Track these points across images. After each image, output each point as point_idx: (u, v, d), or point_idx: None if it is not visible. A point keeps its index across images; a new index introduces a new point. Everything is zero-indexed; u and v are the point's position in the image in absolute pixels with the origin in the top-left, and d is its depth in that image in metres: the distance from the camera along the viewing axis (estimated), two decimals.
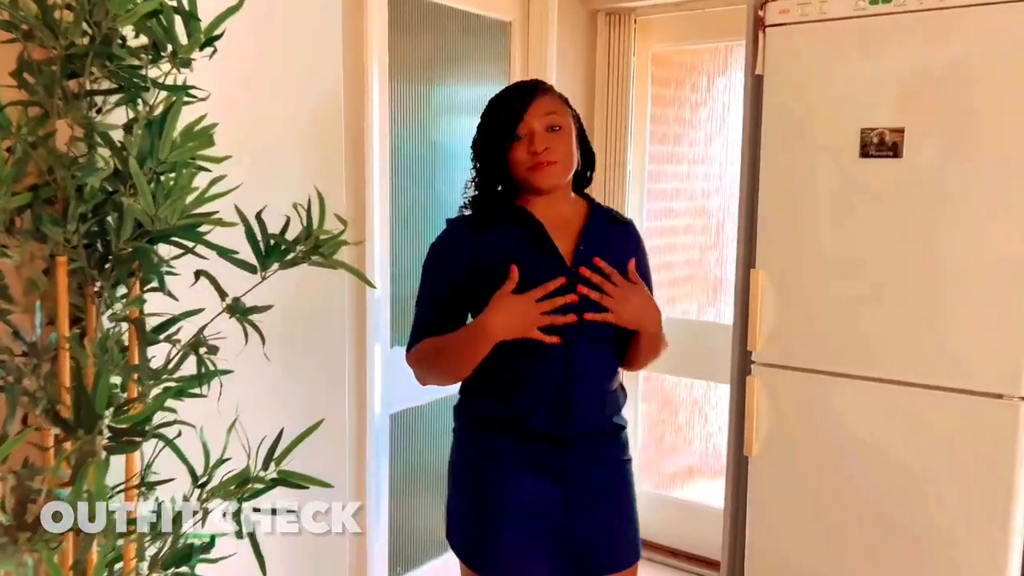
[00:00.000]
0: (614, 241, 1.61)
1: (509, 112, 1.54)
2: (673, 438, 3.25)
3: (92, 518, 1.13)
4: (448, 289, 1.59)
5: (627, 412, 3.16)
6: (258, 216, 1.32)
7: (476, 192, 1.63)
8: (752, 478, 2.12)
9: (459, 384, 1.68)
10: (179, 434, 1.40)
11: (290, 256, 1.31)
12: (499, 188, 1.61)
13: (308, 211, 1.33)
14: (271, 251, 1.29)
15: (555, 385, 1.55)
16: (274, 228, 1.37)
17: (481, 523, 1.59)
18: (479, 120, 1.62)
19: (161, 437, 1.37)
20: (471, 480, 1.63)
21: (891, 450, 1.91)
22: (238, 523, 1.34)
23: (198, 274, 1.32)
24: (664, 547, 3.14)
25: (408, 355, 1.66)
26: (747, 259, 2.12)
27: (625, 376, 3.18)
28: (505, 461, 1.58)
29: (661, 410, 3.25)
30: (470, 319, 1.60)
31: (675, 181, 3.12)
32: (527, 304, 1.46)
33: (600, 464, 1.61)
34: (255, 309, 1.34)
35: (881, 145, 1.87)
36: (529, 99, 1.55)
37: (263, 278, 1.34)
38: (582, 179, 1.67)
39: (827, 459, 2.00)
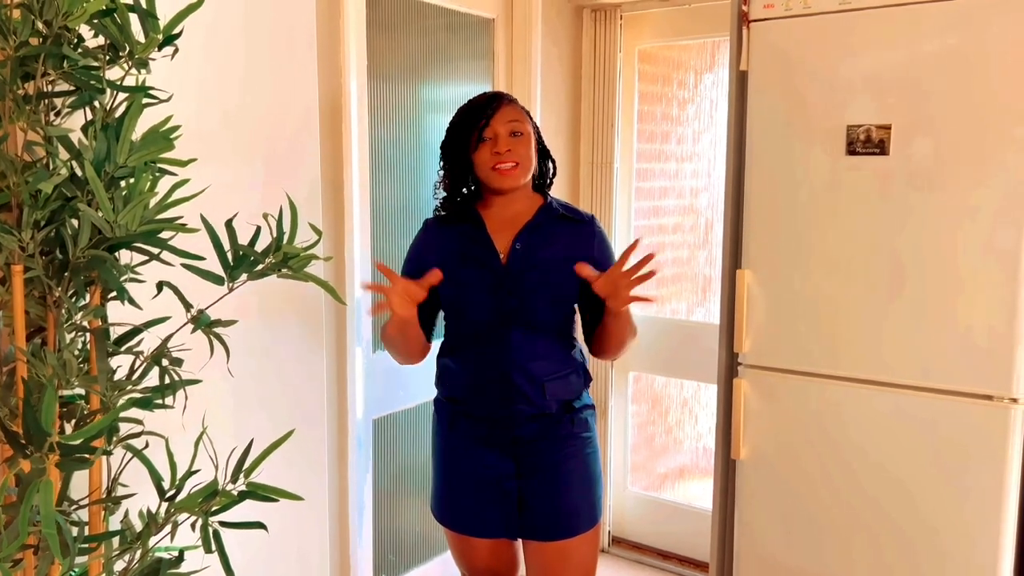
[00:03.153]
0: (559, 238, 1.77)
1: (477, 117, 1.73)
2: (664, 439, 3.21)
3: (47, 537, 1.08)
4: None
5: (616, 413, 3.12)
6: (228, 224, 1.27)
7: (445, 193, 1.81)
8: (740, 480, 2.09)
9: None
10: (147, 445, 1.36)
11: (259, 268, 1.26)
12: (465, 188, 1.80)
13: (279, 222, 1.29)
14: (240, 262, 1.24)
15: (494, 372, 1.76)
16: (244, 234, 1.33)
17: (449, 491, 1.87)
18: (448, 124, 1.79)
19: (129, 447, 1.33)
20: (442, 454, 1.89)
21: (879, 451, 1.88)
22: (206, 538, 1.30)
23: (160, 285, 1.28)
24: (655, 549, 3.11)
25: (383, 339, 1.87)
26: (733, 259, 2.09)
27: (616, 376, 3.15)
28: (465, 438, 1.83)
29: (651, 411, 3.21)
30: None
31: (663, 179, 3.08)
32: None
33: (551, 440, 1.80)
34: (220, 322, 1.29)
35: (868, 142, 1.83)
36: (496, 106, 1.73)
37: (230, 289, 1.30)
38: (543, 183, 1.84)
39: (815, 461, 1.96)
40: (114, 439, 1.26)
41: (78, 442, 1.02)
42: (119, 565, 1.37)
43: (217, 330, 1.31)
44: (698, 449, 3.14)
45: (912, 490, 1.84)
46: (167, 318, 1.36)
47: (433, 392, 1.93)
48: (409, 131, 2.50)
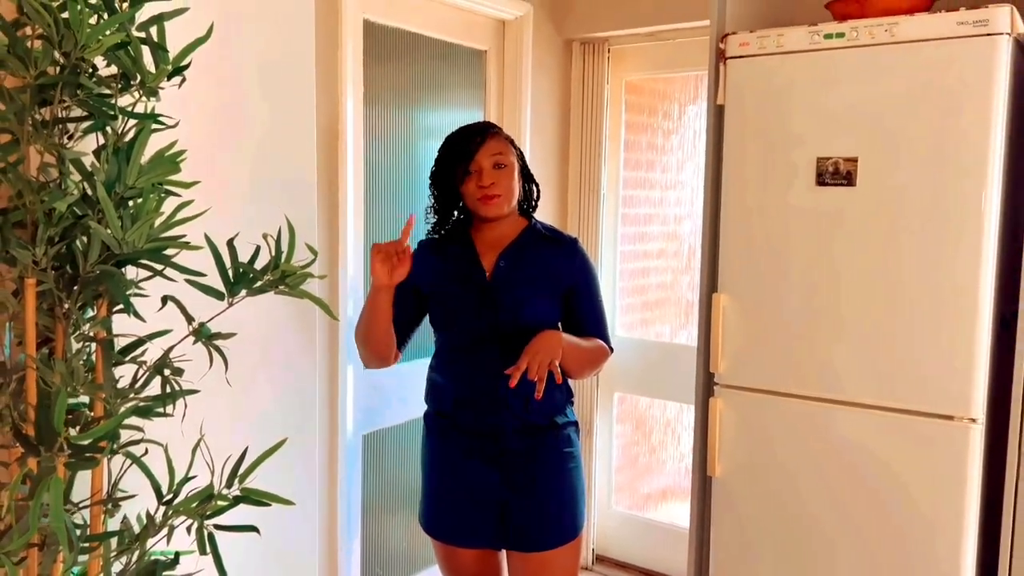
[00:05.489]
0: (540, 257, 1.89)
1: (462, 151, 1.84)
2: (647, 459, 3.28)
3: (54, 533, 1.16)
4: (404, 295, 1.88)
5: (601, 433, 3.20)
6: (229, 243, 1.36)
7: (436, 217, 1.93)
8: (715, 498, 2.16)
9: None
10: (146, 452, 1.43)
11: (257, 284, 1.35)
12: (455, 213, 1.92)
13: (277, 242, 1.37)
14: (239, 278, 1.33)
15: (480, 385, 1.85)
16: (244, 253, 1.42)
17: (437, 502, 1.94)
18: (437, 155, 1.90)
19: (129, 455, 1.40)
20: (430, 466, 1.96)
21: (846, 471, 1.96)
22: (200, 539, 1.36)
23: (165, 299, 1.36)
24: (638, 568, 3.17)
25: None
26: (710, 283, 2.18)
27: (601, 396, 3.23)
28: (452, 451, 1.91)
29: (635, 431, 3.29)
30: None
31: (648, 206, 3.19)
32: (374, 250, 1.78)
33: (536, 453, 1.88)
34: (220, 335, 1.37)
35: (836, 173, 1.93)
36: (480, 141, 1.84)
37: (230, 304, 1.38)
38: (529, 205, 1.96)
39: (787, 478, 2.04)
40: (115, 444, 1.32)
41: (87, 442, 1.10)
42: (116, 567, 1.43)
43: (217, 342, 1.39)
44: (680, 469, 3.21)
45: (878, 505, 1.92)
46: (168, 331, 1.44)
47: (421, 409, 2.02)
48: (403, 156, 2.60)
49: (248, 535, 1.42)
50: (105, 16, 1.32)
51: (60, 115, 1.35)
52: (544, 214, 1.99)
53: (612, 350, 1.97)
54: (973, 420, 1.81)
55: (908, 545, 1.88)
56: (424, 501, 1.98)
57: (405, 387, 2.52)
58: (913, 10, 1.90)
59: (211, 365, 1.40)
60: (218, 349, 1.38)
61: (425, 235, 1.98)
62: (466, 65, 2.79)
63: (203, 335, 1.34)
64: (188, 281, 1.34)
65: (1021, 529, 1.79)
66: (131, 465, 1.44)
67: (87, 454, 1.14)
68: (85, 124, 1.38)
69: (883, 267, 1.89)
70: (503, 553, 1.98)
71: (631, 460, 3.30)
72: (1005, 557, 1.81)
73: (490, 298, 1.85)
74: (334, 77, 2.20)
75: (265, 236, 1.38)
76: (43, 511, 1.17)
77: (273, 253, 1.39)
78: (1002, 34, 1.74)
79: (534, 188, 1.96)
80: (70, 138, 1.42)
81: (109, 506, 1.46)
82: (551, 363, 1.73)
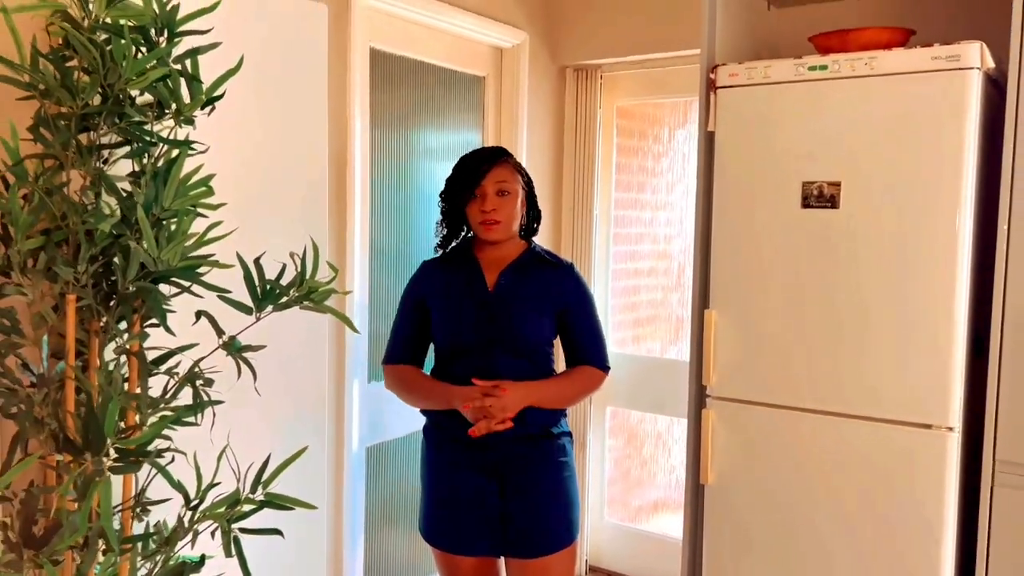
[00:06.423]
0: (538, 277, 2.02)
1: (470, 176, 1.96)
2: (639, 472, 3.37)
3: (100, 535, 1.23)
4: (413, 314, 2.05)
5: (594, 446, 3.29)
6: (256, 261, 1.45)
7: (444, 232, 2.06)
8: (707, 505, 2.26)
9: None
10: (172, 460, 1.51)
11: (284, 300, 1.44)
12: (462, 230, 2.05)
13: (303, 260, 1.47)
14: (267, 295, 1.42)
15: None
16: (267, 270, 1.50)
17: (437, 511, 2.02)
18: (449, 173, 2.02)
19: (155, 464, 1.47)
20: (429, 476, 2.05)
21: (832, 477, 2.06)
22: (227, 542, 1.44)
23: (199, 314, 1.44)
24: None
25: (384, 367, 2.10)
26: (702, 300, 2.29)
27: (594, 410, 3.32)
28: (451, 461, 1.99)
29: (627, 444, 3.38)
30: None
31: (639, 226, 3.30)
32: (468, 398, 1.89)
33: (532, 462, 1.97)
34: (249, 347, 1.46)
35: (820, 197, 2.05)
36: (487, 167, 1.96)
37: (257, 319, 1.47)
38: (530, 230, 2.08)
39: (776, 484, 2.14)
40: (156, 450, 1.40)
41: (134, 447, 1.18)
42: (142, 573, 1.50)
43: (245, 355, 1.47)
44: (671, 482, 3.30)
45: (863, 508, 2.02)
46: (195, 344, 1.52)
47: (420, 422, 2.11)
48: (406, 176, 2.70)
49: (263, 543, 1.49)
50: (144, 48, 1.42)
51: (99, 141, 1.44)
52: (539, 232, 2.11)
53: (608, 369, 2.07)
54: (950, 429, 1.92)
55: (893, 545, 1.98)
56: (424, 510, 2.06)
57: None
58: (891, 45, 2.03)
59: (239, 376, 1.49)
60: (247, 361, 1.46)
61: (433, 251, 2.10)
62: (466, 90, 2.91)
63: (235, 348, 1.42)
64: (221, 297, 1.43)
65: (996, 528, 1.90)
66: (157, 474, 1.51)
67: (131, 459, 1.21)
68: (124, 149, 1.47)
69: (865, 285, 2.00)
70: (502, 560, 2.07)
71: (623, 473, 3.39)
72: (982, 554, 1.91)
73: (490, 311, 1.96)
74: (343, 101, 2.31)
75: (292, 255, 1.47)
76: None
77: (298, 270, 1.49)
78: (973, 68, 1.87)
79: (537, 215, 2.08)
80: (105, 162, 1.51)
81: (137, 510, 1.54)
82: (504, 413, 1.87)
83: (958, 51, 1.88)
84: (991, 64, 1.91)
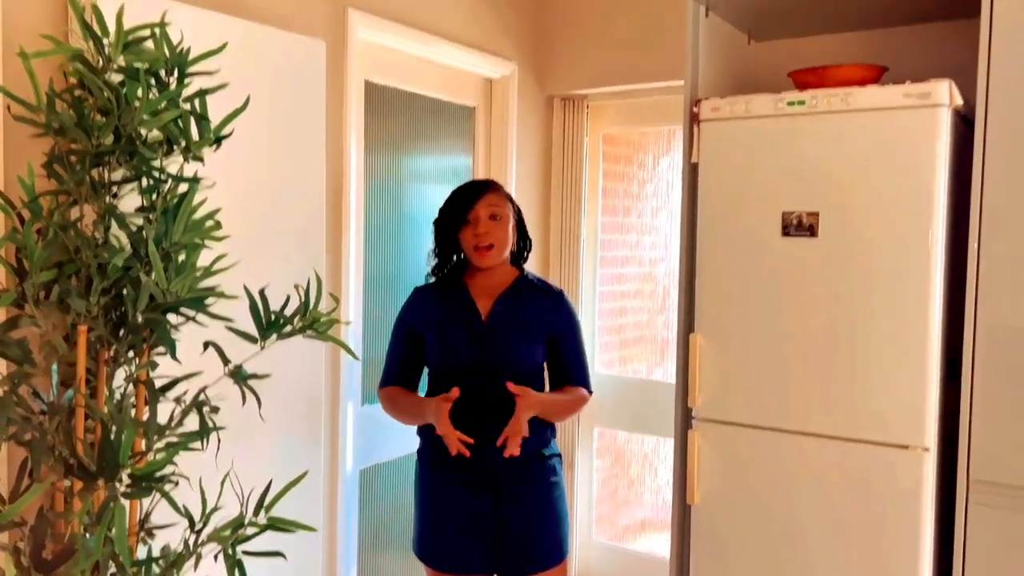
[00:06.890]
0: (530, 304, 2.09)
1: (463, 202, 2.05)
2: (626, 491, 3.43)
3: (109, 558, 1.28)
4: (406, 340, 2.12)
5: (582, 467, 3.35)
6: (261, 293, 1.50)
7: (437, 260, 2.12)
8: (694, 523, 2.32)
9: None
10: (176, 484, 1.56)
11: (288, 330, 1.49)
12: (455, 258, 2.11)
13: (307, 291, 1.53)
14: (271, 325, 1.48)
15: (470, 419, 1.96)
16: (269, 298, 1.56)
17: (431, 530, 2.07)
18: (441, 205, 2.10)
19: (160, 491, 1.52)
20: (423, 495, 2.10)
21: (814, 496, 2.13)
22: (231, 565, 1.48)
23: (207, 344, 1.50)
24: None
25: (379, 391, 2.16)
26: (687, 324, 2.36)
27: (582, 431, 3.37)
28: (445, 481, 2.05)
29: (614, 464, 3.44)
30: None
31: (625, 249, 3.38)
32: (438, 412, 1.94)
33: (524, 482, 2.04)
34: (254, 376, 1.52)
35: (799, 226, 2.14)
36: (479, 195, 2.05)
37: (262, 348, 1.52)
38: (520, 257, 2.16)
39: (760, 503, 2.21)
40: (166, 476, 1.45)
41: (147, 473, 1.23)
42: None
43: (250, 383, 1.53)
44: (658, 501, 3.36)
45: (844, 525, 2.09)
46: (199, 372, 1.57)
47: (413, 444, 2.17)
48: (399, 203, 2.77)
49: (261, 564, 1.53)
50: (155, 89, 1.48)
51: (109, 178, 1.50)
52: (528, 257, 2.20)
53: (591, 393, 2.18)
54: (926, 449, 2.00)
55: (873, 563, 2.05)
56: (417, 529, 2.11)
57: (399, 424, 2.65)
58: (865, 81, 2.13)
59: (244, 403, 1.54)
60: (252, 389, 1.52)
61: (425, 279, 2.17)
62: (457, 120, 2.99)
63: (241, 376, 1.47)
64: (228, 328, 1.48)
65: (972, 546, 1.97)
66: (160, 499, 1.55)
67: (142, 484, 1.26)
68: (133, 184, 1.53)
69: (843, 310, 2.09)
70: None
71: (610, 493, 3.45)
72: (958, 571, 1.99)
73: (483, 339, 2.03)
74: (339, 133, 2.37)
75: (296, 287, 1.53)
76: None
77: (302, 301, 1.55)
78: (942, 105, 1.97)
79: (527, 243, 2.16)
80: (115, 197, 1.56)
81: (142, 535, 1.58)
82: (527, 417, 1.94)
83: (928, 89, 1.98)
84: (959, 101, 2.01)
